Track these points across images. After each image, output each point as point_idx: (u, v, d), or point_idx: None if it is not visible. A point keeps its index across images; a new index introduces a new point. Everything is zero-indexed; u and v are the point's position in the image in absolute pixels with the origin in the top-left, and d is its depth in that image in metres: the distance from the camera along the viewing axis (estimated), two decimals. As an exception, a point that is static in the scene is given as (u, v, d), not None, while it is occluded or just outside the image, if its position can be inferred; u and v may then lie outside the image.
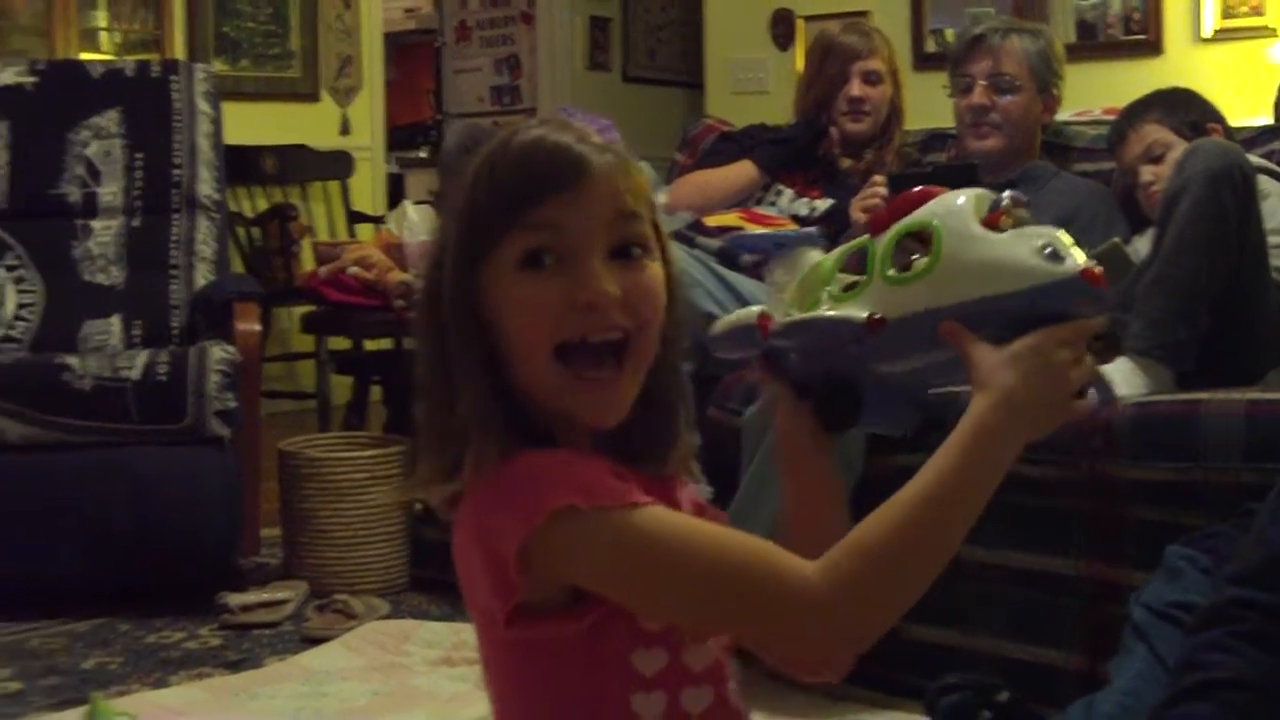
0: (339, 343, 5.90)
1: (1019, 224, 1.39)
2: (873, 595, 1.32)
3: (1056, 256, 1.34)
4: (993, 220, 1.40)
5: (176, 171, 4.54)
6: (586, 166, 1.36)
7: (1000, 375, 1.34)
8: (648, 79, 9.20)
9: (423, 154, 10.00)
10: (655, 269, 1.40)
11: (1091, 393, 1.43)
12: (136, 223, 4.50)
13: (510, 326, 1.36)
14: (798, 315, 1.51)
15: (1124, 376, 2.86)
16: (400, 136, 9.57)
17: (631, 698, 1.38)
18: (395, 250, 4.33)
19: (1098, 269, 1.34)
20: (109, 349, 4.19)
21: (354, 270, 4.29)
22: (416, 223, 4.41)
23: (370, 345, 5.44)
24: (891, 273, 1.42)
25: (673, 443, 1.47)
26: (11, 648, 3.55)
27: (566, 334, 1.35)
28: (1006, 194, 1.42)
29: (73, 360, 3.85)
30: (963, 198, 1.42)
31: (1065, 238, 1.36)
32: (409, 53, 10.71)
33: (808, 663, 1.39)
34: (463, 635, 3.46)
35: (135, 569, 3.83)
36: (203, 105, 4.63)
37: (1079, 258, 1.34)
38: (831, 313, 1.47)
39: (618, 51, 9.14)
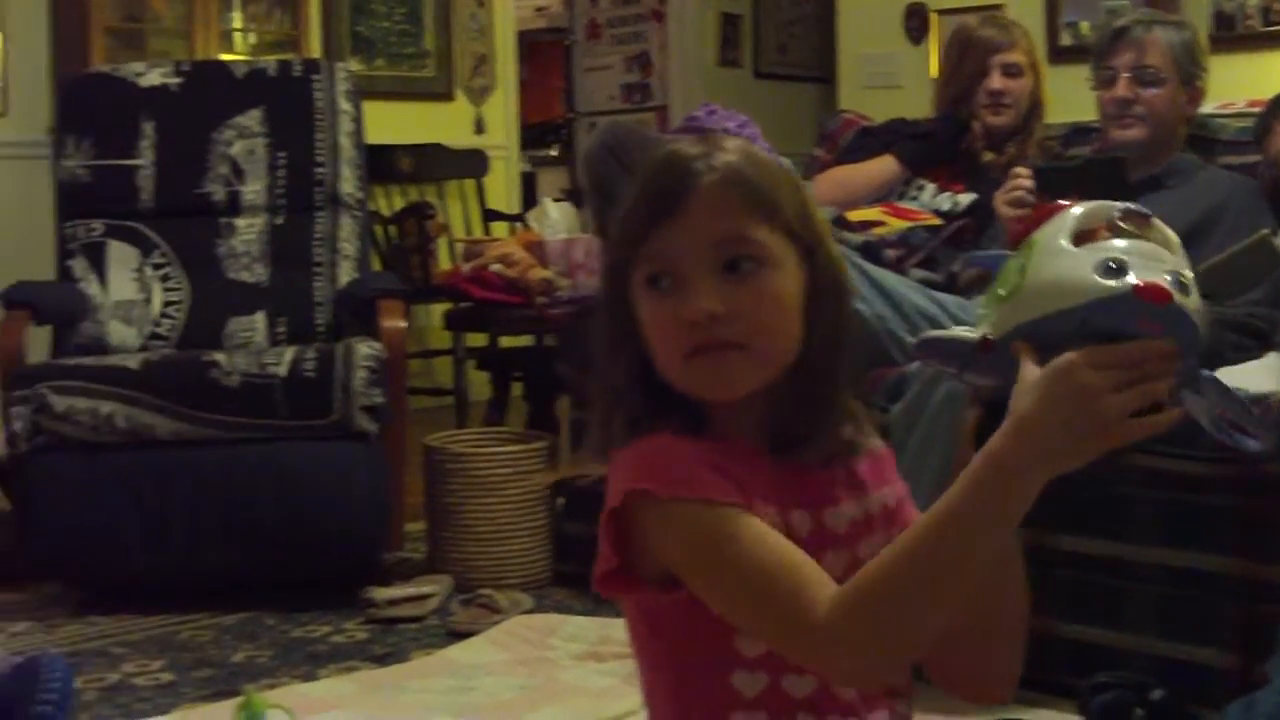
0: (476, 339, 5.94)
1: (1133, 238, 1.33)
2: (876, 628, 1.33)
3: (1114, 271, 1.28)
4: (1092, 234, 1.34)
5: (319, 170, 4.58)
6: (689, 192, 1.45)
7: (1019, 400, 1.30)
8: (779, 75, 9.16)
9: (553, 152, 10.03)
10: (772, 278, 1.46)
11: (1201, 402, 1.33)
12: (280, 221, 4.55)
13: (648, 335, 1.47)
14: (931, 333, 1.51)
15: (1274, 372, 2.80)
16: (531, 135, 9.61)
17: (732, 675, 1.45)
18: (536, 248, 4.34)
19: (1163, 285, 1.26)
20: (254, 346, 4.24)
21: (496, 267, 4.30)
22: (557, 220, 4.42)
23: (506, 341, 5.47)
24: (1001, 290, 1.40)
25: (825, 432, 1.51)
26: (162, 640, 3.61)
27: (685, 345, 1.44)
28: (1120, 207, 1.36)
29: (220, 357, 3.90)
30: (1080, 209, 1.37)
31: (1149, 253, 1.30)
32: (539, 51, 10.75)
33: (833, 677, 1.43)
34: (608, 630, 3.46)
35: (282, 563, 3.88)
36: (344, 104, 4.67)
37: (1147, 274, 1.27)
38: (949, 332, 1.48)
39: (748, 48, 9.12)
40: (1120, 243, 1.32)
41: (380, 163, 6.35)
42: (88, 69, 5.64)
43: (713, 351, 1.43)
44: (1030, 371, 1.30)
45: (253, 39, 6.85)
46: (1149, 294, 1.26)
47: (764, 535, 1.39)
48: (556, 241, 4.32)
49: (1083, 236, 1.35)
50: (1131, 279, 1.27)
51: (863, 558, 1.45)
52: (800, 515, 1.47)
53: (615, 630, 3.45)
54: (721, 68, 8.98)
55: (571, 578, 3.95)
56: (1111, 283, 1.27)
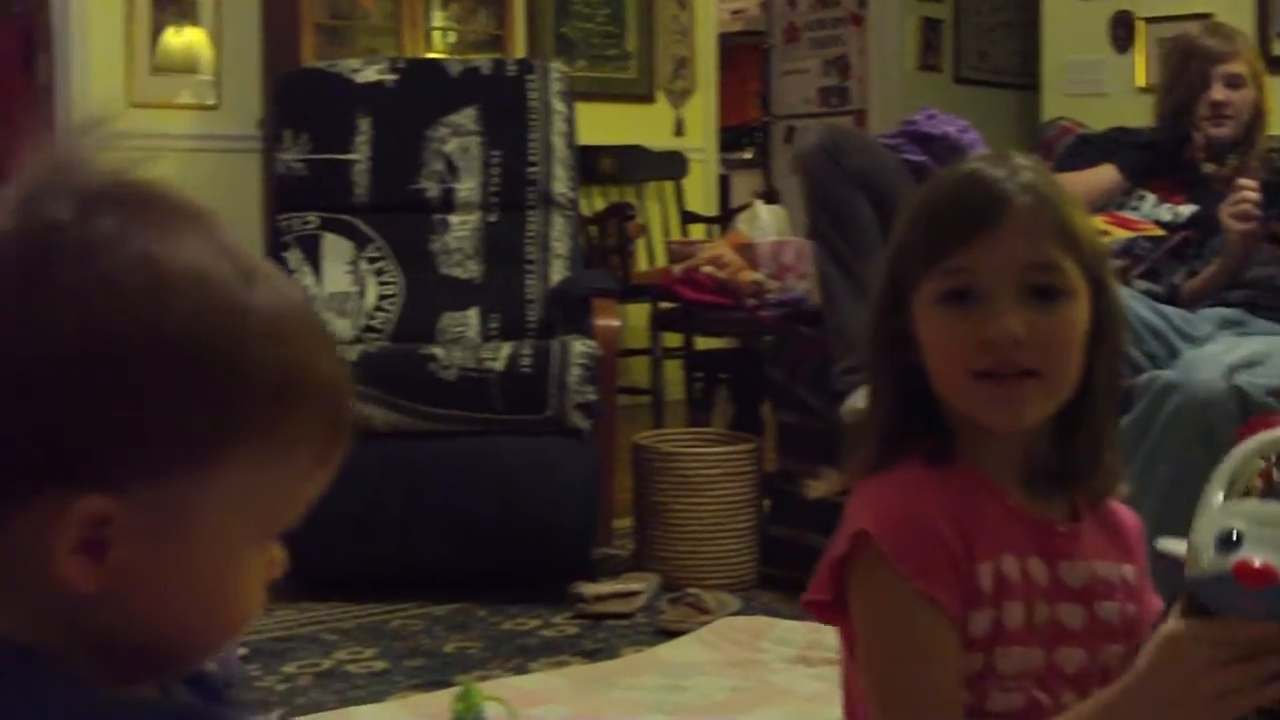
0: (672, 340, 5.95)
1: None
2: None
3: (1227, 544, 1.24)
4: (1265, 474, 1.33)
5: (532, 169, 4.63)
6: (1002, 211, 1.43)
7: (1141, 653, 1.33)
8: (979, 80, 9.07)
9: (748, 155, 10.03)
10: (1072, 309, 1.45)
11: None
12: (493, 218, 4.60)
13: (929, 352, 1.46)
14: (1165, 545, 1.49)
15: None
16: (726, 138, 9.62)
17: None
18: (746, 250, 4.34)
19: (1268, 568, 1.21)
20: (467, 341, 4.29)
21: (707, 269, 4.31)
22: (767, 223, 4.42)
23: (702, 343, 5.47)
24: None
25: (1083, 478, 1.51)
26: (374, 628, 3.66)
27: (977, 365, 1.43)
28: None
29: (438, 350, 3.96)
30: (1254, 443, 1.35)
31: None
32: (735, 54, 10.75)
33: None
34: (818, 635, 3.45)
35: (493, 556, 3.91)
36: (557, 104, 4.71)
37: (1260, 550, 1.22)
38: (1175, 549, 1.47)
39: (949, 53, 9.04)
40: (1252, 505, 1.29)
41: (581, 163, 6.40)
42: (297, 65, 5.77)
43: (1009, 379, 1.42)
44: (1168, 625, 1.31)
45: (452, 37, 6.95)
46: (1247, 576, 1.22)
47: (944, 660, 1.40)
48: (766, 243, 4.32)
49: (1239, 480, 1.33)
50: (1237, 555, 1.23)
51: (1100, 618, 1.47)
52: (1038, 564, 1.46)
53: (825, 635, 3.42)
54: (921, 72, 8.91)
55: (777, 581, 3.95)
56: (1218, 558, 1.24)
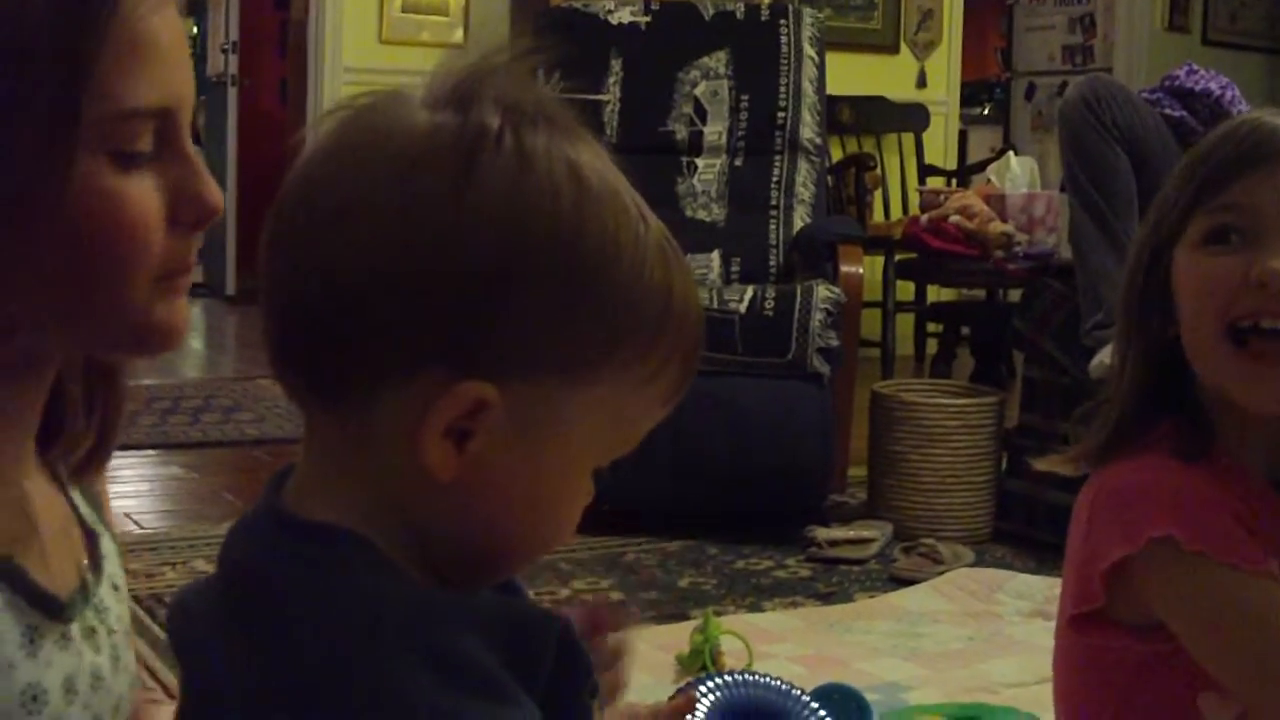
0: (904, 293, 5.92)
1: None
2: None
3: None
4: None
5: (780, 114, 4.63)
6: None
7: None
8: (1228, 43, 8.83)
9: (986, 111, 9.91)
10: None
11: None
12: (739, 162, 4.61)
13: (1184, 306, 1.37)
14: None
15: None
16: (966, 93, 9.50)
17: None
18: (996, 201, 4.30)
19: None
20: (709, 283, 4.31)
21: (956, 218, 4.29)
22: (1019, 175, 4.38)
23: (933, 295, 5.44)
24: None
25: None
26: (608, 560, 3.71)
27: (1237, 313, 1.33)
28: None
29: (682, 290, 3.98)
30: None
31: None
32: (976, 8, 10.60)
33: None
34: (1055, 590, 3.40)
35: (727, 496, 3.94)
36: (809, 50, 4.70)
37: None
38: None
39: (1198, 13, 8.81)
40: None
41: (824, 112, 6.40)
42: (544, 4, 5.83)
43: (1269, 351, 1.33)
44: None
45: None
46: None
47: None
48: (1017, 195, 4.28)
49: None
50: None
51: None
52: None
53: (1062, 590, 3.41)
54: (1168, 33, 8.71)
55: (1012, 535, 3.92)
56: None
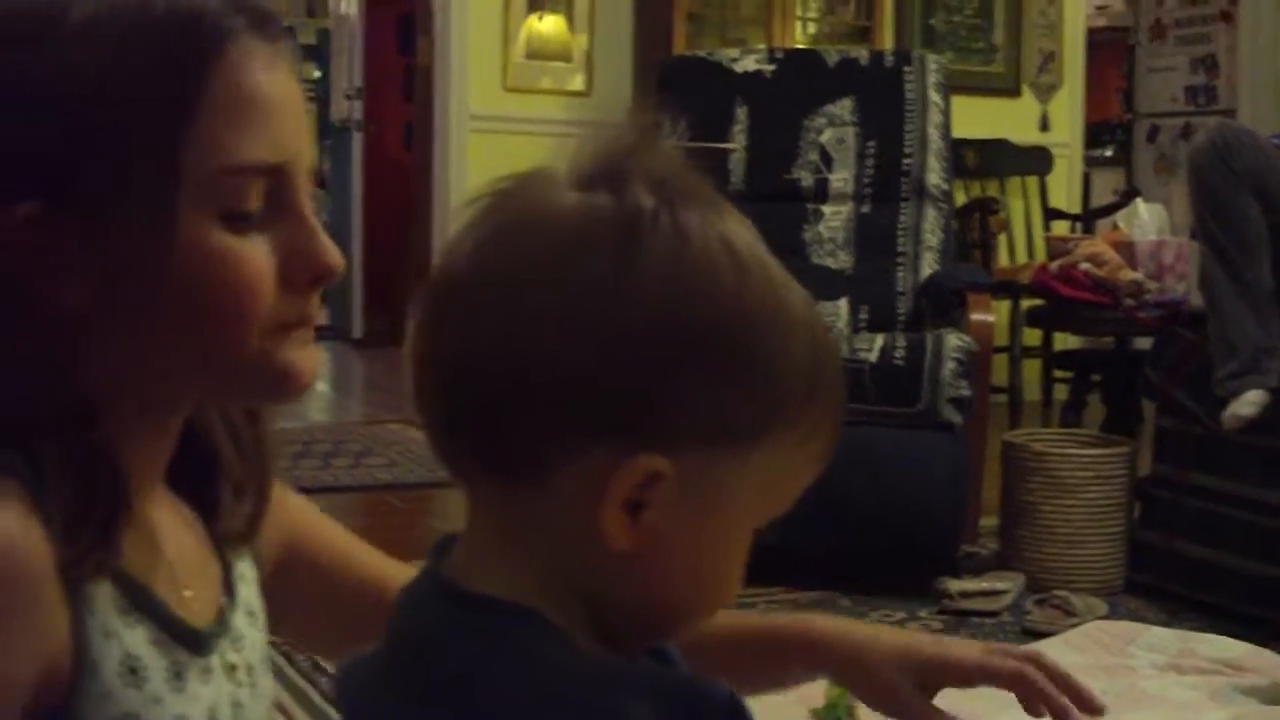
0: (1031, 339, 5.88)
1: None
2: None
3: None
4: None
5: (906, 160, 4.62)
6: None
7: None
8: (1357, 82, 8.72)
9: (1108, 152, 9.83)
10: None
11: None
12: (865, 209, 4.61)
13: None
14: None
15: None
16: (1087, 134, 9.44)
17: None
18: (1125, 248, 4.27)
19: None
20: (837, 331, 4.31)
21: (1085, 266, 4.26)
22: (1147, 221, 4.35)
23: (1059, 341, 5.39)
24: None
25: None
26: (742, 608, 3.69)
27: None
28: None
29: (811, 339, 3.98)
30: None
31: None
32: (1098, 50, 10.53)
33: None
34: (1189, 643, 3.38)
35: (861, 546, 3.94)
36: (934, 96, 4.70)
37: None
38: None
39: (1325, 52, 8.70)
40: None
41: (948, 156, 6.38)
42: (668, 53, 5.87)
43: None
44: None
45: (817, 28, 6.98)
46: None
47: None
48: (1146, 242, 4.24)
49: None
50: None
51: None
52: None
53: (1196, 644, 3.36)
54: (1296, 72, 8.60)
55: (1144, 588, 3.88)
56: None
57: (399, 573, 1.32)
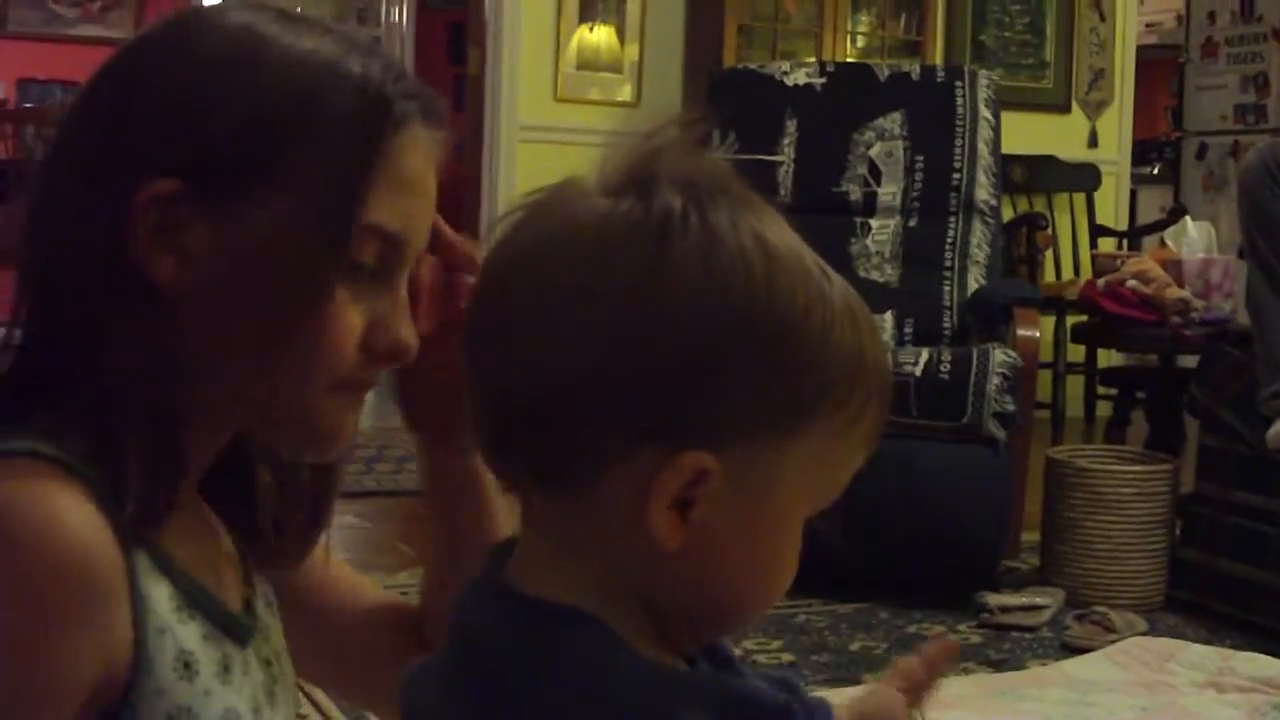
0: (1074, 355, 5.88)
1: None
2: None
3: None
4: None
5: (955, 175, 4.63)
6: None
7: None
8: None
9: (1155, 170, 9.81)
10: None
11: None
12: (913, 223, 4.62)
13: None
14: None
15: None
16: (1135, 151, 9.42)
17: None
18: (1172, 266, 4.27)
19: None
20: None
21: (1132, 283, 4.26)
22: (1195, 240, 4.35)
23: (1103, 359, 5.39)
24: None
25: None
26: (780, 621, 3.72)
27: None
28: None
29: (854, 352, 4.00)
30: None
31: None
32: (1146, 68, 10.50)
33: None
34: (1230, 661, 3.38)
35: (901, 559, 3.94)
36: (984, 111, 4.71)
37: None
38: None
39: (1377, 73, 8.67)
40: None
41: (996, 172, 6.39)
42: (718, 65, 5.88)
43: None
44: None
45: (867, 42, 6.99)
46: None
47: None
48: (1194, 260, 4.25)
49: None
50: None
51: None
52: None
53: (1237, 662, 3.37)
54: (1346, 91, 8.58)
55: (1185, 605, 3.89)
56: None
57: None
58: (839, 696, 1.31)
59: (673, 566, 0.92)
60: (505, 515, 1.34)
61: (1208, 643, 3.57)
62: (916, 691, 1.23)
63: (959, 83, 4.75)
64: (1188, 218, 4.78)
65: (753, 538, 0.94)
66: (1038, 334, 4.11)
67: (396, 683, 1.01)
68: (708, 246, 0.90)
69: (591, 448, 0.90)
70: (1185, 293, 4.17)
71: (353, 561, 4.18)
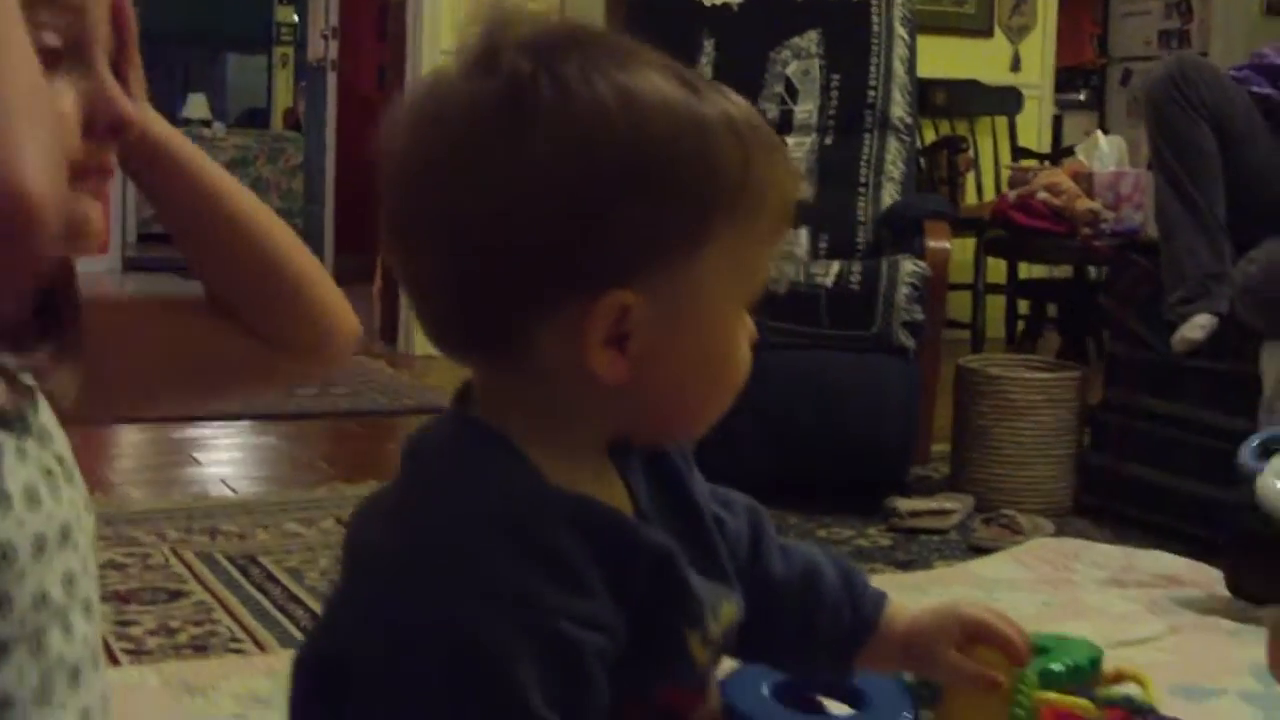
0: (995, 275, 5.94)
1: None
2: None
3: None
4: None
5: (871, 93, 4.67)
6: None
7: None
8: (1328, 27, 8.77)
9: (1081, 96, 9.89)
10: None
11: None
12: (829, 141, 4.66)
13: None
14: None
15: None
16: (1061, 78, 9.48)
17: None
18: (1084, 179, 4.33)
19: None
20: (796, 258, 4.36)
21: (1043, 195, 4.32)
22: (1107, 153, 4.41)
23: (1024, 276, 5.44)
24: None
25: None
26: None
27: None
28: None
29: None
30: None
31: None
32: (1074, -6, 10.58)
33: None
34: (1132, 560, 3.46)
35: (811, 467, 3.99)
36: (900, 30, 4.74)
37: None
38: None
39: (1298, -4, 8.76)
40: None
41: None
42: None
43: None
44: None
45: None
46: None
47: None
48: (1105, 173, 4.31)
49: None
50: None
51: None
52: None
53: (1140, 560, 3.45)
54: (1268, 17, 8.66)
55: (1092, 509, 3.96)
56: None
57: None
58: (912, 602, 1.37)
59: (632, 396, 1.01)
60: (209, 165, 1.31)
61: (1113, 544, 3.64)
62: (973, 644, 1.27)
63: (874, 2, 4.78)
64: (1099, 131, 4.84)
65: (696, 348, 1.02)
66: (948, 245, 4.16)
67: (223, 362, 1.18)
68: (562, 100, 0.96)
69: (515, 311, 0.98)
70: (1095, 204, 4.23)
71: (273, 479, 4.22)
